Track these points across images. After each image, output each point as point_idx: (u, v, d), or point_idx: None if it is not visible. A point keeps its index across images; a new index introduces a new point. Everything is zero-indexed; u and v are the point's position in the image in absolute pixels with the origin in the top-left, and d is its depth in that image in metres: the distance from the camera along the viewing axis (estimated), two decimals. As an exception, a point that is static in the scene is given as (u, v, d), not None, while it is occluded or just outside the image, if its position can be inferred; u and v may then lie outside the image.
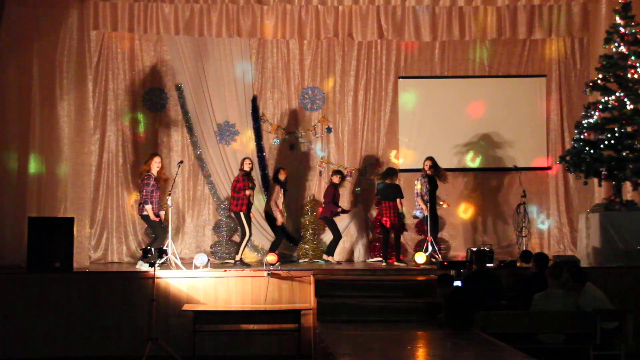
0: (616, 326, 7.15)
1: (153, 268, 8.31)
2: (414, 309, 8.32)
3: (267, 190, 11.13)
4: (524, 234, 10.69)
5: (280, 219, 10.39)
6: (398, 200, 10.37)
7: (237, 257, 10.03)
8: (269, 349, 8.80)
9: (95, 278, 9.08)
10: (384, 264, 10.13)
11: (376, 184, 11.08)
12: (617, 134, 9.60)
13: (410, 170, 11.31)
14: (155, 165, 9.80)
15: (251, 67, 11.61)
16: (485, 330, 6.93)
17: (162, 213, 9.81)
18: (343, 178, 10.92)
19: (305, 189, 11.57)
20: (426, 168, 10.31)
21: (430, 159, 10.37)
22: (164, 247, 9.06)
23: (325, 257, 10.47)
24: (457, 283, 8.11)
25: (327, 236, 11.07)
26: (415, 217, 10.70)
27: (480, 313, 7.07)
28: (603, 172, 9.62)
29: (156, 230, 9.89)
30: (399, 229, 10.37)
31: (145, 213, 9.66)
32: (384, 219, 10.25)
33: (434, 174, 10.32)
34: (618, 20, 9.91)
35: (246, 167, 10.17)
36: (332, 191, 10.56)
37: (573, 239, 11.25)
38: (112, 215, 11.22)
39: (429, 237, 10.14)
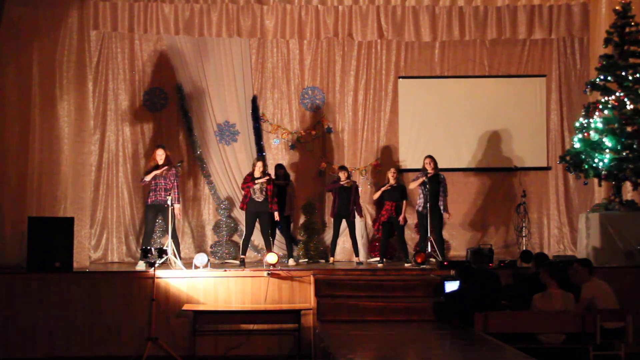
0: (620, 327, 7.16)
1: (153, 268, 8.31)
2: (413, 309, 8.32)
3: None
4: (524, 234, 10.69)
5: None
6: (404, 202, 10.40)
7: (241, 256, 10.04)
8: (269, 349, 8.79)
9: (95, 278, 9.06)
10: (380, 264, 10.13)
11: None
12: (617, 134, 9.60)
13: (410, 170, 11.32)
14: (158, 157, 9.81)
15: (251, 67, 11.61)
16: (485, 330, 6.93)
17: (168, 199, 9.53)
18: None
19: (305, 189, 11.56)
20: (427, 166, 10.30)
21: (431, 157, 10.37)
22: (164, 247, 9.06)
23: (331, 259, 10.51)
24: (456, 284, 8.12)
25: (327, 236, 11.11)
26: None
27: (480, 313, 7.07)
28: (603, 172, 9.63)
29: (146, 226, 9.94)
30: (399, 228, 10.36)
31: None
32: (384, 215, 10.28)
33: (435, 173, 10.31)
34: (618, 20, 9.91)
35: (257, 173, 10.04)
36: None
37: (573, 239, 11.26)
38: (112, 215, 11.23)
39: (430, 237, 10.16)
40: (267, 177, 9.92)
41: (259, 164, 10.00)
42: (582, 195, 11.42)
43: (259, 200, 9.87)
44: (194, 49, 11.49)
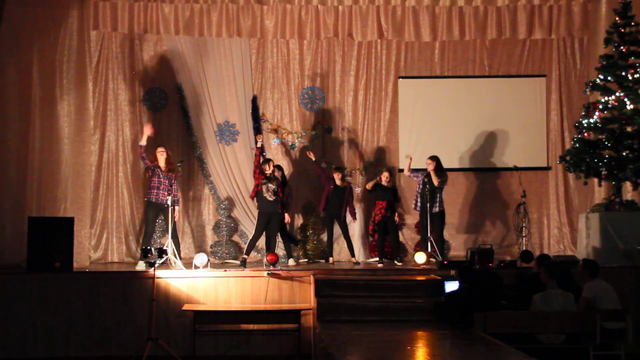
0: (620, 327, 7.16)
1: (153, 268, 8.31)
2: (413, 309, 8.32)
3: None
4: (524, 234, 10.69)
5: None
6: (396, 203, 10.50)
7: (244, 256, 10.01)
8: (269, 349, 8.80)
9: (95, 278, 9.07)
10: (380, 264, 10.14)
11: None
12: (617, 134, 9.60)
13: (410, 170, 11.31)
14: (159, 154, 9.81)
15: (251, 67, 11.61)
16: (485, 330, 6.93)
17: (168, 200, 9.53)
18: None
19: (304, 189, 11.56)
20: (429, 167, 10.35)
21: (431, 157, 10.40)
22: (164, 247, 9.07)
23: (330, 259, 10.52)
24: (456, 284, 8.13)
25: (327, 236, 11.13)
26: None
27: (480, 313, 7.07)
28: (603, 172, 9.62)
29: (147, 226, 9.95)
30: (393, 227, 10.39)
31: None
32: (378, 214, 10.37)
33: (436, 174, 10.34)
34: (618, 20, 9.91)
35: (268, 171, 10.06)
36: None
37: (573, 239, 11.26)
38: (112, 215, 11.23)
39: (430, 237, 10.18)
40: (278, 182, 10.03)
41: (270, 164, 10.05)
42: (582, 195, 11.41)
43: (271, 199, 9.88)
44: (194, 49, 11.48)
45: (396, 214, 10.57)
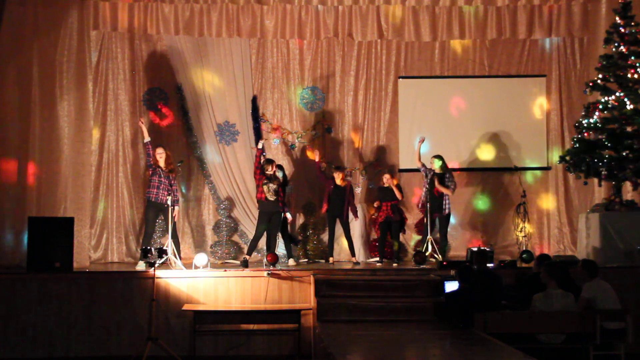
0: (620, 327, 7.16)
1: (153, 268, 8.31)
2: (413, 309, 8.33)
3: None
4: (524, 234, 10.68)
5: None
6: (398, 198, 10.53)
7: (246, 256, 10.00)
8: (269, 349, 8.80)
9: (95, 278, 9.07)
10: (379, 264, 10.14)
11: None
12: (617, 134, 9.60)
13: (410, 170, 11.33)
14: (158, 156, 9.85)
15: (251, 67, 11.61)
16: (485, 330, 6.94)
17: (168, 200, 9.60)
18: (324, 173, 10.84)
19: (305, 189, 11.56)
20: (433, 166, 10.37)
21: (435, 156, 10.43)
22: (164, 247, 9.06)
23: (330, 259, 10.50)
24: (456, 284, 8.13)
25: (327, 236, 11.09)
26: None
27: (480, 313, 7.07)
28: (603, 172, 9.62)
29: (147, 226, 9.97)
30: (396, 227, 10.40)
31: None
32: (381, 215, 10.38)
33: (441, 173, 10.37)
34: (618, 20, 9.91)
35: (269, 172, 10.08)
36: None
37: (573, 239, 11.26)
38: (112, 215, 11.22)
39: (429, 237, 10.20)
40: (279, 182, 10.03)
41: (272, 165, 10.05)
42: (582, 195, 11.41)
43: (272, 199, 9.89)
44: (194, 49, 11.49)
45: (404, 212, 10.66)
